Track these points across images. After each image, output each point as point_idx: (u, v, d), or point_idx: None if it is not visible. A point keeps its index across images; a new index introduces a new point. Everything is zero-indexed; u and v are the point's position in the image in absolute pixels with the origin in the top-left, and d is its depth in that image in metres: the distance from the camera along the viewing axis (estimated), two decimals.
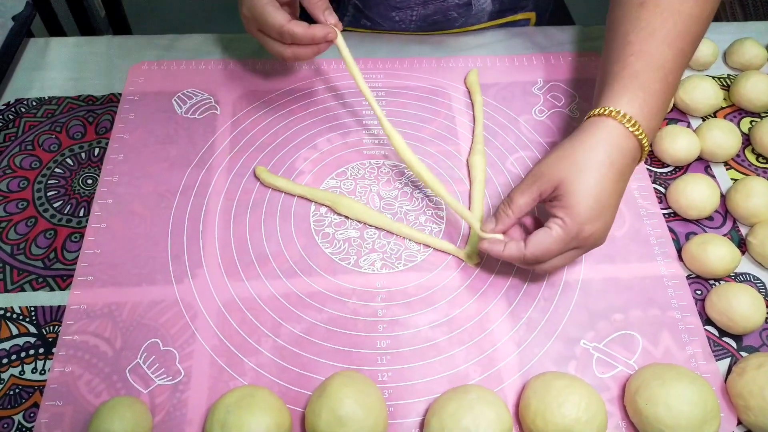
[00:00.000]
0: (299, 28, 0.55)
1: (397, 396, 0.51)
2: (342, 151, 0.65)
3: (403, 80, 0.71)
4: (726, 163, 0.65)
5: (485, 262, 0.57)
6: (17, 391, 0.50)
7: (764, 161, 0.65)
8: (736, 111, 0.70)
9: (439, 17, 0.75)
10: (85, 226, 0.59)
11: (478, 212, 0.60)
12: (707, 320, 0.55)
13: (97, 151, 0.65)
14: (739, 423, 0.50)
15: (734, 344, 0.54)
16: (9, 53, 0.70)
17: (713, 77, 0.72)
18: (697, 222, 0.61)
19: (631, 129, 0.49)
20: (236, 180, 0.62)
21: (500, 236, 0.52)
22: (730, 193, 0.61)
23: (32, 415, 0.49)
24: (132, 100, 0.68)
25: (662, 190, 0.63)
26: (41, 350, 0.52)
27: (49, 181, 0.62)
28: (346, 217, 0.60)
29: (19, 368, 0.51)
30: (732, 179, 0.64)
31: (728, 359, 0.53)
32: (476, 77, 0.70)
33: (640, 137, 0.50)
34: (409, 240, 0.59)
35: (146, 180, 0.62)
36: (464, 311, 0.55)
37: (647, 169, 0.65)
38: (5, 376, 0.51)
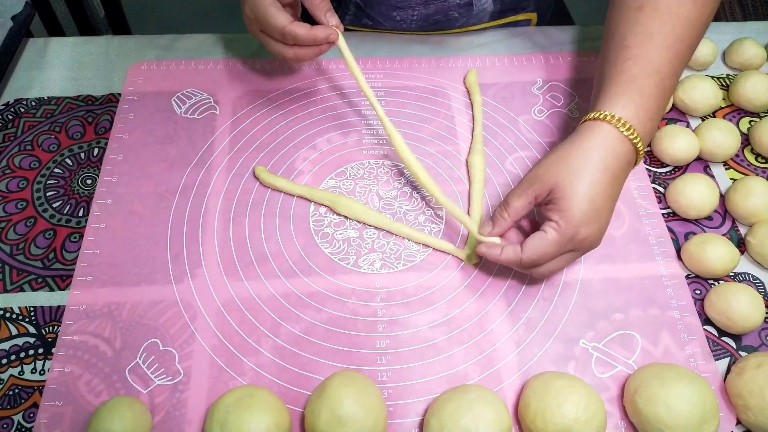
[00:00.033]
0: (301, 29, 0.56)
1: (396, 396, 0.51)
2: (341, 151, 0.65)
3: (403, 80, 0.71)
4: (725, 163, 0.65)
5: (484, 262, 0.57)
6: (17, 391, 0.50)
7: (763, 161, 0.65)
8: (735, 111, 0.70)
9: (440, 17, 0.75)
10: (85, 226, 0.59)
11: (477, 212, 0.60)
12: (706, 320, 0.55)
13: (96, 151, 0.65)
14: (739, 422, 0.50)
15: (733, 344, 0.54)
16: (8, 53, 0.70)
17: (712, 77, 0.72)
18: (696, 222, 0.61)
19: (626, 133, 0.49)
20: (235, 180, 0.62)
21: (497, 239, 0.53)
22: (729, 192, 0.61)
23: (32, 415, 0.49)
24: (131, 100, 0.68)
25: (661, 189, 0.63)
26: (41, 350, 0.52)
27: (49, 181, 0.62)
28: (346, 217, 0.60)
29: (19, 368, 0.51)
30: (731, 179, 0.64)
31: (727, 359, 0.53)
32: (475, 77, 0.70)
33: (635, 141, 0.50)
34: (409, 240, 0.59)
35: (145, 180, 0.62)
36: (464, 311, 0.55)
37: (646, 168, 0.65)
38: (5, 376, 0.51)
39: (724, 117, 0.69)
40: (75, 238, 0.58)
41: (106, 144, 0.65)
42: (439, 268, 0.57)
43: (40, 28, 1.20)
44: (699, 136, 0.64)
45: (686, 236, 0.60)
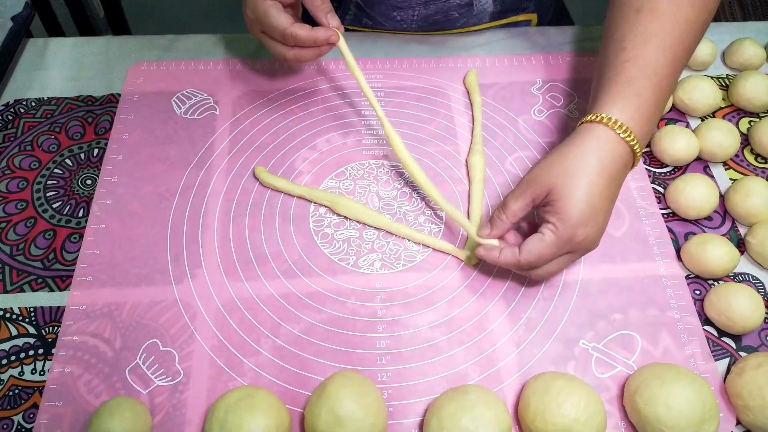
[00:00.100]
0: (302, 30, 0.56)
1: (396, 396, 0.51)
2: (341, 151, 0.65)
3: (403, 80, 0.71)
4: (725, 163, 0.65)
5: (484, 262, 0.57)
6: (17, 391, 0.50)
7: (763, 161, 0.65)
8: (734, 111, 0.70)
9: (441, 17, 0.75)
10: (85, 227, 0.59)
11: (477, 212, 0.60)
12: (706, 320, 0.55)
13: (96, 151, 0.65)
14: (738, 423, 0.50)
15: (733, 344, 0.54)
16: (8, 54, 0.70)
17: (712, 77, 0.72)
18: (696, 222, 0.61)
19: (622, 135, 0.50)
20: (235, 180, 0.62)
21: (496, 242, 0.53)
22: (729, 193, 0.61)
23: (32, 415, 0.49)
24: (131, 101, 0.68)
25: (661, 190, 0.63)
26: (41, 351, 0.52)
27: (49, 182, 0.62)
28: (346, 217, 0.60)
29: (19, 369, 0.51)
30: (731, 179, 0.64)
31: (727, 359, 0.53)
32: (475, 77, 0.70)
33: (631, 143, 0.50)
34: (409, 240, 0.59)
35: (145, 180, 0.62)
36: (463, 311, 0.55)
37: (646, 169, 0.65)
38: (5, 377, 0.51)
39: (723, 117, 0.69)
40: (75, 238, 0.58)
41: (106, 144, 0.65)
42: (439, 268, 0.57)
43: (40, 28, 1.20)
44: (699, 137, 0.64)
45: (686, 236, 0.60)
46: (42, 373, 0.51)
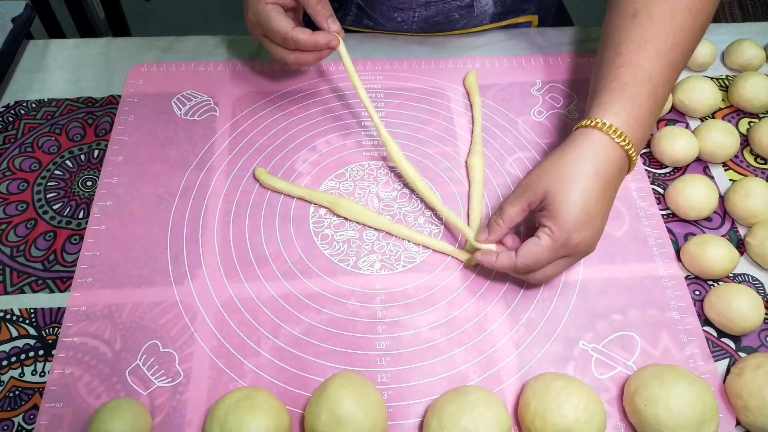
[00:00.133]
0: (303, 35, 0.57)
1: (396, 397, 0.51)
2: (341, 152, 0.65)
3: (402, 81, 0.71)
4: (724, 164, 0.65)
5: None
6: (17, 393, 0.50)
7: (762, 162, 0.66)
8: (734, 112, 0.70)
9: (441, 18, 0.75)
10: (85, 228, 0.59)
11: (476, 213, 0.60)
12: (706, 321, 0.55)
13: (96, 153, 0.65)
14: (738, 423, 0.50)
15: (733, 345, 0.54)
16: (8, 55, 0.70)
17: (711, 78, 0.72)
18: (695, 223, 0.61)
19: (617, 140, 0.50)
20: (235, 181, 0.63)
21: (493, 246, 0.53)
22: (729, 193, 0.61)
23: (32, 417, 0.49)
24: (131, 102, 0.68)
25: (661, 190, 0.63)
26: (41, 352, 0.52)
27: (49, 183, 0.62)
28: (345, 218, 0.60)
29: (19, 370, 0.51)
30: (730, 180, 0.64)
31: (727, 360, 0.53)
32: (475, 78, 0.70)
33: (626, 148, 0.50)
34: (408, 241, 0.59)
35: (145, 182, 0.62)
36: (463, 312, 0.55)
37: (646, 170, 0.65)
38: (5, 378, 0.51)
39: (723, 118, 0.69)
40: (75, 239, 0.59)
41: (106, 146, 0.65)
42: (439, 269, 0.58)
43: (41, 30, 1.20)
44: (698, 137, 0.64)
45: (686, 237, 0.60)
46: (42, 374, 0.51)
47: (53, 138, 0.66)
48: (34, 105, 0.68)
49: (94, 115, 0.68)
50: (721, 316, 0.53)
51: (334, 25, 0.59)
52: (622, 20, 0.55)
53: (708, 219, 0.61)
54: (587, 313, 0.55)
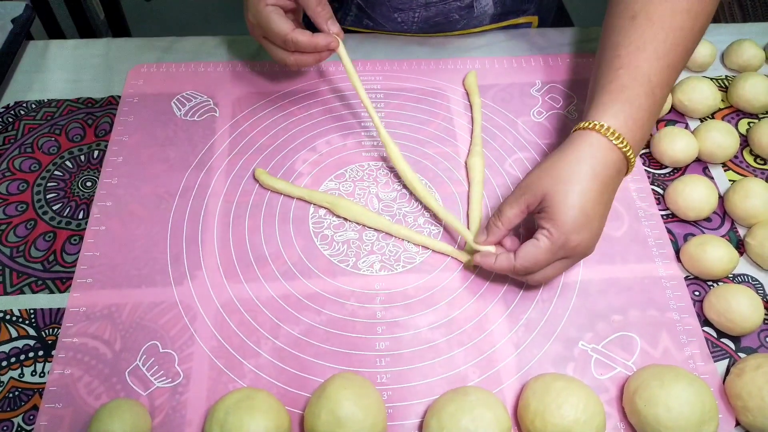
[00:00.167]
0: (303, 36, 0.57)
1: (396, 397, 0.51)
2: (341, 153, 0.65)
3: (402, 82, 0.71)
4: (724, 165, 0.65)
5: None
6: (17, 393, 0.50)
7: (762, 162, 0.66)
8: (734, 112, 0.70)
9: (441, 19, 0.75)
10: (85, 229, 0.59)
11: (476, 214, 0.60)
12: (705, 321, 0.55)
13: (96, 153, 0.65)
14: (738, 424, 0.50)
15: (732, 345, 0.54)
16: (8, 56, 0.70)
17: (711, 78, 0.72)
18: (695, 223, 0.61)
19: (615, 142, 0.50)
20: (235, 182, 0.63)
21: (492, 248, 0.53)
22: (728, 194, 0.61)
23: (32, 417, 0.49)
24: (131, 103, 0.68)
25: (660, 191, 0.63)
26: (41, 353, 0.52)
27: (49, 184, 0.62)
28: (345, 219, 0.60)
29: (19, 371, 0.51)
30: (730, 180, 0.64)
31: (726, 360, 0.53)
32: (474, 79, 0.70)
33: (624, 150, 0.50)
34: (408, 242, 0.59)
35: (145, 182, 0.62)
36: (463, 312, 0.55)
37: (645, 170, 0.65)
38: (5, 378, 0.51)
39: (723, 118, 0.69)
40: (75, 240, 0.59)
41: (106, 146, 0.65)
42: (439, 269, 0.58)
43: (40, 30, 1.20)
44: (698, 138, 0.64)
45: (685, 237, 0.60)
46: (42, 374, 0.51)
47: (53, 138, 0.66)
48: (33, 105, 0.68)
49: (94, 116, 0.68)
50: (720, 316, 0.53)
51: (333, 26, 0.59)
52: (621, 22, 0.55)
53: (707, 219, 0.61)
54: (587, 314, 0.55)
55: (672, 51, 0.53)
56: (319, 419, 0.46)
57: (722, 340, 0.54)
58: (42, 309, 0.55)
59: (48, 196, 0.61)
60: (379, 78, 0.71)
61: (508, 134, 0.67)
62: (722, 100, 0.70)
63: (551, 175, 0.50)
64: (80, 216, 0.60)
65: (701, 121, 0.68)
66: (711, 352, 0.53)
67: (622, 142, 0.50)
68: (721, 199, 0.62)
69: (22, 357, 0.52)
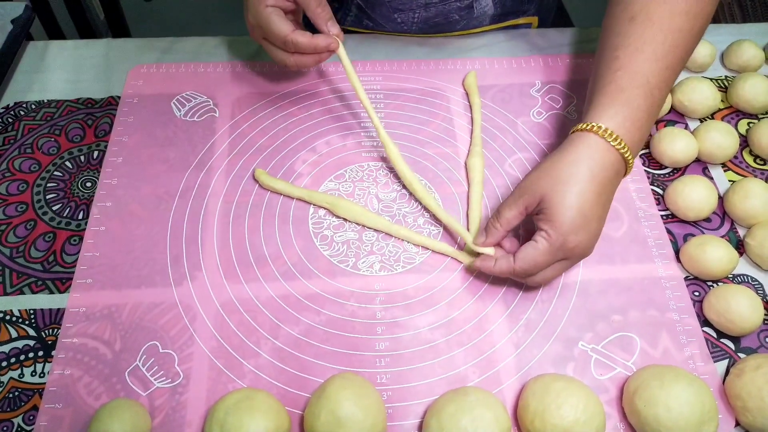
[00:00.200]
0: (303, 38, 0.57)
1: (396, 398, 0.51)
2: (341, 153, 0.65)
3: (402, 82, 0.71)
4: (724, 165, 0.65)
5: None
6: (16, 394, 0.50)
7: (762, 162, 0.66)
8: (733, 112, 0.70)
9: (441, 20, 0.75)
10: (84, 229, 0.59)
11: (476, 214, 0.60)
12: (705, 321, 0.55)
13: (96, 153, 0.65)
14: (737, 424, 0.50)
15: (732, 345, 0.54)
16: (8, 56, 0.70)
17: (711, 79, 0.72)
18: (695, 223, 0.61)
19: (613, 144, 0.50)
20: (235, 182, 0.63)
21: (491, 250, 0.54)
22: (728, 194, 0.61)
23: (31, 418, 0.49)
24: (131, 103, 0.68)
25: (660, 191, 0.63)
26: (40, 353, 0.52)
27: (48, 184, 0.62)
28: (345, 219, 0.60)
29: (19, 371, 0.51)
30: (730, 181, 0.64)
31: (726, 360, 0.53)
32: (474, 79, 0.70)
33: (622, 151, 0.50)
34: (408, 242, 0.59)
35: (145, 182, 0.62)
36: (463, 313, 0.55)
37: (645, 170, 0.65)
38: (4, 379, 0.51)
39: (722, 119, 0.69)
40: (75, 240, 0.59)
41: (105, 147, 0.65)
42: (438, 270, 0.58)
43: (40, 31, 1.20)
44: (698, 138, 0.64)
45: (685, 238, 0.60)
46: (42, 375, 0.51)
47: (53, 139, 0.66)
48: (33, 106, 0.68)
49: (94, 116, 0.68)
50: (720, 316, 0.53)
51: (333, 28, 0.59)
52: (620, 23, 0.55)
53: (707, 220, 0.61)
54: (587, 314, 0.55)
55: (670, 52, 0.53)
56: (318, 420, 0.46)
57: (722, 340, 0.54)
58: (42, 309, 0.55)
59: (48, 197, 0.61)
60: (378, 78, 0.71)
61: (507, 135, 0.67)
62: (722, 101, 0.70)
63: (549, 176, 0.50)
64: (80, 216, 0.60)
65: (701, 122, 0.68)
66: (711, 353, 0.53)
67: (619, 144, 0.50)
68: (721, 199, 0.62)
69: (22, 357, 0.52)
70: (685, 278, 0.58)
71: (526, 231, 0.58)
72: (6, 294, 0.55)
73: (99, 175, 0.63)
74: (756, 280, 0.58)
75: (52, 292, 0.55)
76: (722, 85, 0.72)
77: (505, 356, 0.53)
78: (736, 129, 0.68)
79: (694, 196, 0.59)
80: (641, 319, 0.55)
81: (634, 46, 0.53)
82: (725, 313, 0.53)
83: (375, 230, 0.60)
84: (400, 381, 0.52)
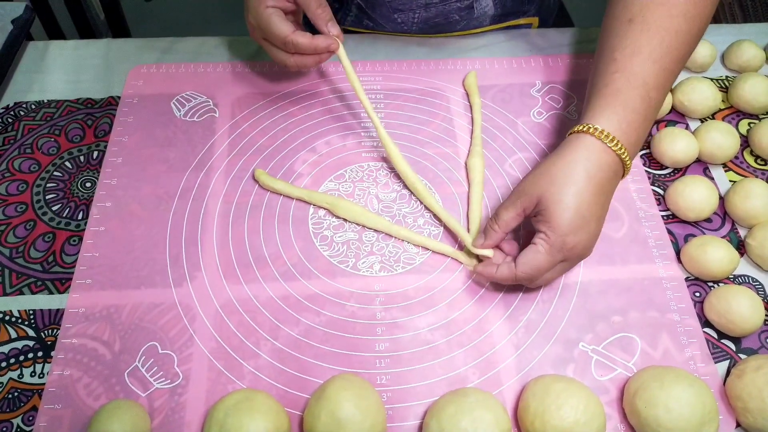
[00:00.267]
0: (303, 38, 0.58)
1: (395, 399, 0.51)
2: (341, 153, 0.65)
3: (402, 82, 0.71)
4: (724, 165, 0.65)
5: None
6: (16, 394, 0.50)
7: (762, 163, 0.65)
8: (734, 113, 0.70)
9: (441, 20, 0.75)
10: (84, 229, 0.59)
11: (476, 215, 0.60)
12: (706, 322, 0.55)
13: (95, 154, 0.65)
14: (738, 425, 0.50)
15: (733, 346, 0.54)
16: (8, 56, 0.70)
17: (711, 79, 0.72)
18: (695, 224, 0.61)
19: (609, 145, 0.50)
20: (235, 182, 0.62)
21: (490, 252, 0.54)
22: (729, 194, 0.61)
23: (31, 418, 0.49)
24: (131, 103, 0.68)
25: (661, 191, 0.63)
26: (40, 354, 0.52)
27: (48, 185, 0.62)
28: (345, 219, 0.60)
29: (18, 372, 0.51)
30: (730, 181, 0.64)
31: (727, 361, 0.53)
32: (474, 79, 0.70)
33: (619, 152, 0.50)
34: (408, 242, 0.59)
35: (145, 183, 0.62)
36: (463, 314, 0.55)
37: (646, 171, 0.65)
38: (4, 379, 0.51)
39: (723, 119, 0.69)
40: (74, 241, 0.59)
41: (105, 147, 0.65)
42: (439, 270, 0.57)
43: (40, 31, 1.20)
44: (698, 138, 0.64)
45: (686, 238, 0.60)
46: (41, 375, 0.51)
47: (53, 139, 0.66)
48: (33, 106, 0.68)
49: (94, 117, 0.67)
50: (721, 317, 0.53)
51: (333, 28, 0.59)
52: (618, 24, 0.55)
53: (708, 220, 0.61)
54: (587, 315, 0.55)
55: (668, 54, 0.53)
56: (318, 420, 0.46)
57: (723, 341, 0.54)
58: (41, 310, 0.54)
59: (47, 197, 0.61)
60: (378, 78, 0.71)
61: (508, 135, 0.67)
62: (722, 101, 0.70)
63: (546, 178, 0.50)
64: (80, 217, 0.60)
65: (701, 122, 0.68)
66: (711, 353, 0.53)
67: (616, 145, 0.50)
68: (722, 199, 0.62)
69: (22, 358, 0.52)
70: (686, 279, 0.57)
71: (526, 233, 0.58)
72: (5, 294, 0.55)
73: (99, 176, 0.63)
74: (757, 281, 0.57)
75: (51, 293, 0.55)
76: (723, 85, 0.72)
77: (505, 357, 0.53)
78: (737, 129, 0.68)
79: (695, 196, 0.59)
80: (642, 320, 0.55)
81: (632, 47, 0.53)
82: (726, 313, 0.53)
83: (375, 231, 0.60)
84: (399, 382, 0.51)
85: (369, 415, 0.46)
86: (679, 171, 0.65)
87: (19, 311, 0.54)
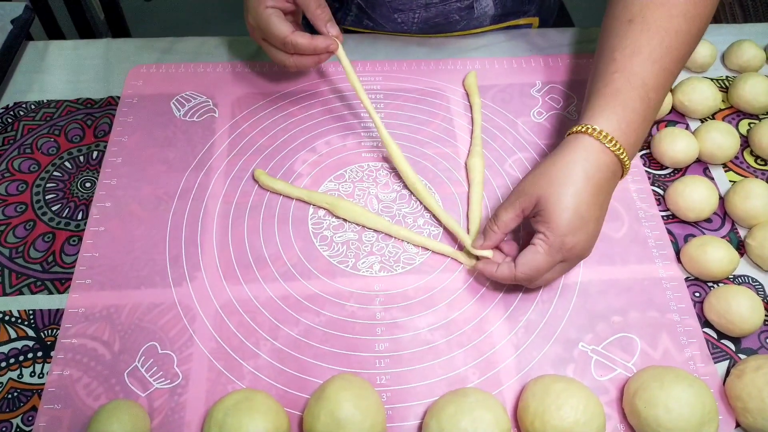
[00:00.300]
0: (302, 39, 0.58)
1: (395, 399, 0.51)
2: (340, 153, 0.65)
3: (402, 82, 0.71)
4: (724, 165, 0.65)
5: None
6: (15, 394, 0.50)
7: (763, 163, 0.65)
8: (734, 113, 0.70)
9: (441, 20, 0.75)
10: (84, 230, 0.59)
11: (476, 215, 0.60)
12: (706, 322, 0.55)
13: (95, 154, 0.65)
14: (738, 425, 0.50)
15: (733, 346, 0.54)
16: (8, 56, 0.70)
17: (711, 79, 0.72)
18: (695, 224, 0.61)
19: (608, 145, 0.50)
20: (234, 183, 0.62)
21: (490, 253, 0.54)
22: (729, 195, 0.61)
23: (30, 418, 0.49)
24: (130, 103, 0.68)
25: (661, 192, 0.63)
26: (39, 354, 0.52)
27: (48, 185, 0.62)
28: (345, 219, 0.60)
29: (18, 372, 0.51)
30: (730, 181, 0.64)
31: (727, 361, 0.53)
32: (474, 79, 0.70)
33: (617, 153, 0.50)
34: (408, 242, 0.59)
35: (144, 183, 0.62)
36: (463, 314, 0.55)
37: (646, 171, 0.65)
38: (3, 379, 0.51)
39: (723, 119, 0.69)
40: (74, 241, 0.59)
41: (105, 147, 0.65)
42: (438, 270, 0.57)
43: (40, 31, 1.20)
44: (698, 138, 0.64)
45: (686, 238, 0.60)
46: (41, 375, 0.51)
47: (52, 139, 0.66)
48: (33, 106, 0.68)
49: (93, 117, 0.67)
50: (721, 317, 0.53)
51: (333, 29, 0.59)
52: (618, 25, 0.55)
53: (708, 220, 0.61)
54: (587, 315, 0.55)
55: (668, 54, 0.53)
56: (318, 421, 0.46)
57: (722, 341, 0.54)
58: (41, 310, 0.54)
59: (47, 197, 0.61)
60: (378, 78, 0.71)
61: (508, 135, 0.67)
62: (722, 101, 0.70)
63: (544, 178, 0.50)
64: (79, 217, 0.60)
65: (702, 122, 0.68)
66: (711, 354, 0.53)
67: (614, 145, 0.50)
68: (722, 200, 0.62)
69: (21, 358, 0.52)
70: (686, 279, 0.57)
71: (526, 234, 0.58)
72: (5, 294, 0.55)
73: (98, 176, 0.63)
74: (757, 281, 0.57)
75: (51, 293, 0.55)
76: (723, 85, 0.72)
77: (505, 357, 0.53)
78: (737, 129, 0.68)
79: (695, 196, 0.59)
80: (641, 320, 0.55)
81: (631, 48, 0.53)
82: (726, 313, 0.53)
83: (375, 231, 0.60)
84: (399, 382, 0.51)
85: (369, 415, 0.46)
86: (679, 171, 0.65)
87: (18, 311, 0.54)
